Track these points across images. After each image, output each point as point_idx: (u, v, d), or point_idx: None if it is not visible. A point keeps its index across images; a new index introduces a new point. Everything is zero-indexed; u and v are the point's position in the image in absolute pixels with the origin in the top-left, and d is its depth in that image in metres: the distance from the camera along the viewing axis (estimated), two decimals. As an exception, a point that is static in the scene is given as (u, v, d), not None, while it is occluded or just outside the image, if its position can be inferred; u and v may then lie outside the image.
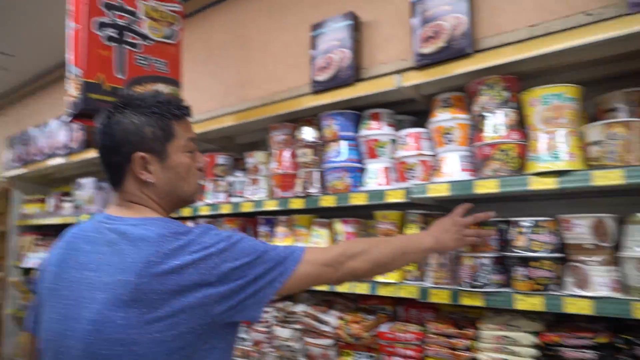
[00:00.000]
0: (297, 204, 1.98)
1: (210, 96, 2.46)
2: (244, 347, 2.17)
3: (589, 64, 1.54)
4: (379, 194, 1.73)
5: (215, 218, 2.44)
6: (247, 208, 2.16)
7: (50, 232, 3.88)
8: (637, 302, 1.23)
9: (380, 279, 1.72)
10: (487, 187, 1.48)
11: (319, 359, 1.88)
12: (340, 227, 1.90)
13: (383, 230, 1.78)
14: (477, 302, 1.48)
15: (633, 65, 1.50)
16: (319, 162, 1.98)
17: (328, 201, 1.88)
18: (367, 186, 1.81)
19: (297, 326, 1.95)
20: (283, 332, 1.97)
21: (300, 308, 2.00)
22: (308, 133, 2.02)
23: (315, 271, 1.12)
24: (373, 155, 1.84)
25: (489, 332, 1.49)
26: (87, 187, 3.17)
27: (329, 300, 2.04)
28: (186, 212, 2.45)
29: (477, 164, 1.59)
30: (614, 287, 1.31)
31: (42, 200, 3.88)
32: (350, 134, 1.91)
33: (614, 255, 1.34)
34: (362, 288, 1.77)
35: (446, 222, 1.43)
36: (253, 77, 2.29)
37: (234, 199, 2.28)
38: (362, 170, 1.89)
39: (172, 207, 1.17)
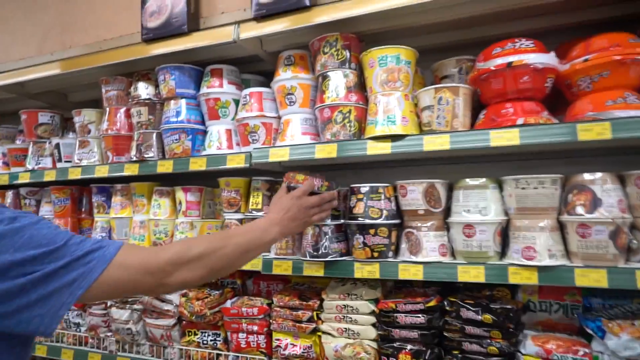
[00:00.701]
0: (132, 169, 1.73)
1: (25, 40, 2.02)
2: (78, 334, 1.92)
3: (426, 29, 1.51)
4: (220, 158, 1.56)
5: (39, 187, 2.08)
6: (76, 174, 1.85)
7: None
8: (462, 266, 1.25)
9: (224, 251, 1.58)
10: (326, 151, 1.39)
11: (161, 341, 1.71)
12: (182, 195, 1.70)
13: (227, 198, 1.63)
14: (319, 272, 1.42)
15: (467, 34, 1.51)
16: (156, 123, 1.73)
17: (166, 166, 1.66)
18: (208, 150, 1.63)
19: (137, 306, 1.76)
20: (121, 314, 1.77)
21: (141, 286, 1.80)
22: (143, 89, 1.75)
23: (130, 278, 0.87)
24: (214, 116, 1.65)
25: (331, 302, 1.45)
26: None
27: (173, 276, 1.86)
28: (3, 179, 2.05)
29: (319, 127, 1.49)
30: (443, 252, 1.33)
31: None
32: (189, 91, 1.69)
33: (444, 221, 1.35)
34: (206, 262, 1.62)
35: (289, 205, 1.23)
36: (78, 20, 1.91)
37: (61, 165, 1.94)
38: (203, 132, 1.69)
39: None
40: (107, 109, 1.83)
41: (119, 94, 1.83)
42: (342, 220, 1.46)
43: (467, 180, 1.31)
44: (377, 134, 1.32)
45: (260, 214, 1.56)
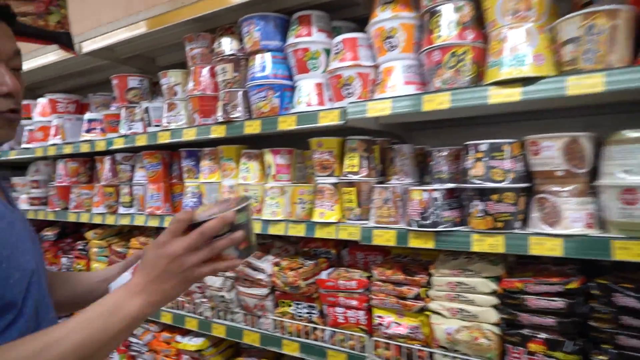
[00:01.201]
0: (219, 131, 1.64)
1: (113, 3, 1.99)
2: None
3: None
4: (311, 116, 1.40)
5: (133, 152, 2.08)
6: (165, 138, 1.81)
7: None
8: (618, 241, 0.99)
9: (317, 218, 1.44)
10: (436, 102, 1.16)
11: (254, 310, 1.65)
12: (271, 158, 1.58)
13: (319, 161, 1.47)
14: (428, 244, 1.23)
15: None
16: (241, 81, 1.60)
17: (253, 127, 1.54)
18: (297, 108, 1.47)
19: (230, 274, 1.70)
20: (214, 281, 1.73)
21: (232, 253, 1.73)
22: (227, 44, 1.62)
23: None
24: (303, 68, 1.47)
25: (442, 278, 1.26)
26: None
27: (265, 244, 1.78)
28: (100, 145, 2.08)
29: (425, 75, 1.26)
30: (589, 222, 1.06)
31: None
32: (275, 43, 1.52)
33: (589, 185, 1.08)
34: (298, 229, 1.50)
35: (153, 259, 0.81)
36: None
37: (151, 129, 1.91)
38: (291, 89, 1.53)
39: None
40: (192, 68, 1.74)
41: (203, 51, 1.72)
42: (457, 184, 1.24)
43: (626, 132, 1.02)
44: (501, 78, 1.07)
45: (356, 177, 1.39)
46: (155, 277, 0.79)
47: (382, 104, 1.25)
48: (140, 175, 2.02)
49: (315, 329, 1.51)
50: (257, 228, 1.59)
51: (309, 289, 1.50)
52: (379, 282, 1.37)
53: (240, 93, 1.59)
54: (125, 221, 2.06)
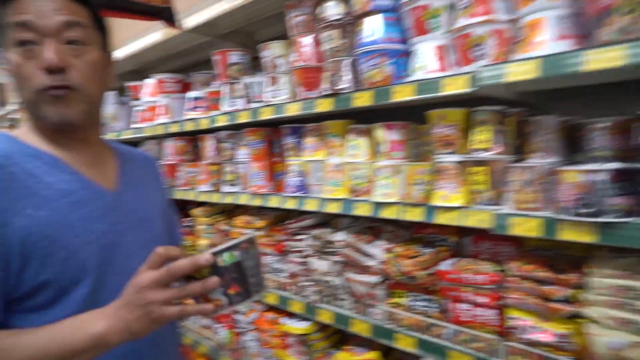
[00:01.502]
0: (324, 105, 1.50)
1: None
2: (279, 279, 1.88)
3: None
4: (432, 84, 1.20)
5: (235, 130, 2.04)
6: (267, 114, 1.72)
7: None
8: None
9: (438, 201, 1.26)
10: (606, 59, 0.91)
11: (364, 298, 1.53)
12: (383, 133, 1.41)
13: (440, 136, 1.27)
14: (586, 237, 0.99)
15: None
16: (349, 48, 1.44)
17: (363, 99, 1.38)
18: (415, 75, 1.28)
19: (337, 258, 1.59)
20: (320, 265, 1.63)
21: (339, 237, 1.62)
22: (332, 8, 1.46)
23: None
24: (422, 30, 1.27)
25: (604, 280, 1.02)
26: (109, 102, 2.87)
27: (374, 228, 1.63)
28: (203, 124, 2.07)
29: (586, 25, 0.99)
30: None
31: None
32: (388, 2, 1.33)
33: None
34: (414, 213, 1.33)
35: (128, 287, 0.80)
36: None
37: (252, 105, 1.84)
38: (407, 54, 1.34)
39: (32, 118, 0.93)
40: (295, 38, 1.61)
41: (306, 19, 1.58)
42: (628, 164, 0.98)
43: None
44: None
45: (488, 154, 1.18)
46: (123, 304, 0.79)
47: (526, 65, 1.02)
48: (243, 153, 1.97)
49: (434, 325, 1.35)
50: (366, 210, 1.45)
51: (428, 281, 1.34)
52: (515, 279, 1.16)
53: (348, 62, 1.43)
54: (229, 199, 2.04)
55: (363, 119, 1.56)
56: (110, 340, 0.78)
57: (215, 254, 0.76)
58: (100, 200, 0.95)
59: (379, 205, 1.41)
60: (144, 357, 0.98)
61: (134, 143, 3.19)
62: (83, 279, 0.88)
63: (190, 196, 2.32)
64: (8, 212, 0.82)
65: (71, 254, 0.86)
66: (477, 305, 1.24)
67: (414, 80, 1.25)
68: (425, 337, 1.36)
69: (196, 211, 2.39)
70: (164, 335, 1.04)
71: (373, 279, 1.48)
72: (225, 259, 0.76)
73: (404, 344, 1.41)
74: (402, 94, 1.27)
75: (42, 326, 0.80)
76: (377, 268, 1.47)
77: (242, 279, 0.78)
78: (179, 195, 2.39)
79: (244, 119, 1.83)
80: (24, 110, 0.94)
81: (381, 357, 1.59)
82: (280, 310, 1.98)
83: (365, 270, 1.51)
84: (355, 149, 1.50)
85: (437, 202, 1.27)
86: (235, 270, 0.77)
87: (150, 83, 2.51)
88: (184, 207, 2.91)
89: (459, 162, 1.24)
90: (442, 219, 1.27)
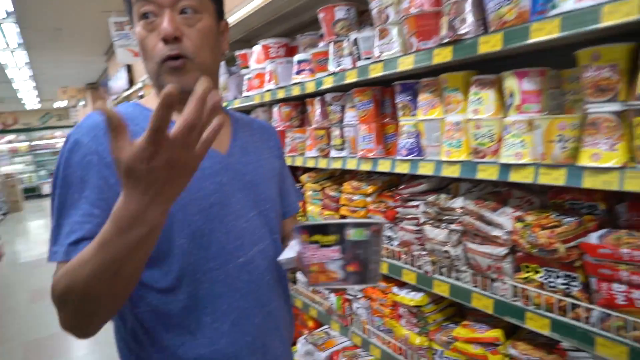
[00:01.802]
0: (443, 55, 1.33)
1: None
2: (391, 247, 1.79)
3: None
4: (588, 15, 0.97)
5: (343, 91, 1.94)
6: (377, 71, 1.59)
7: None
8: None
9: (587, 161, 1.04)
10: None
11: (487, 272, 1.37)
12: (514, 83, 1.21)
13: (594, 80, 1.04)
14: None
15: None
16: (472, -15, 1.24)
17: (492, 43, 1.19)
18: (561, 6, 1.05)
19: (456, 227, 1.44)
20: (437, 234, 1.50)
21: (458, 203, 1.46)
22: (452, -61, 1.26)
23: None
24: (572, -54, 1.03)
25: None
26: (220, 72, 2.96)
27: (499, 193, 1.44)
28: (310, 87, 2.01)
29: None
30: None
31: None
32: None
33: None
34: (554, 176, 1.13)
35: (140, 167, 0.64)
36: None
37: (360, 63, 1.72)
38: (549, -19, 1.11)
39: (158, 90, 0.98)
40: (407, -18, 1.44)
41: (420, -42, 1.40)
42: None
43: None
44: None
45: (661, 100, 0.93)
46: (153, 179, 0.65)
47: None
48: (350, 115, 1.88)
49: (576, 306, 1.15)
50: (491, 174, 1.27)
51: (569, 255, 1.14)
52: (696, 257, 0.92)
53: (471, 1, 1.23)
54: (337, 165, 1.97)
55: (487, 70, 1.36)
56: (125, 237, 0.67)
57: (345, 225, 0.74)
58: (210, 161, 0.97)
59: (508, 167, 1.22)
60: (251, 317, 1.00)
61: (245, 112, 3.28)
62: (187, 234, 0.91)
63: (298, 162, 2.30)
64: None
65: (179, 208, 0.89)
66: (635, 286, 1.01)
67: (561, 13, 1.03)
68: (564, 319, 1.17)
69: (304, 177, 2.38)
70: (271, 295, 1.05)
71: (500, 250, 1.31)
72: (353, 234, 0.73)
73: (536, 325, 1.23)
74: (543, 32, 1.05)
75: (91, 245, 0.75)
76: (505, 239, 1.29)
77: (363, 261, 0.75)
78: (288, 161, 2.38)
79: (351, 78, 1.73)
80: (151, 83, 0.98)
81: (504, 335, 1.42)
82: (392, 279, 1.89)
83: (489, 240, 1.34)
84: (478, 104, 1.31)
85: (585, 162, 1.05)
86: (359, 248, 0.74)
87: (257, 50, 2.51)
88: (293, 174, 2.93)
89: (619, 112, 1.00)
90: (591, 182, 1.05)
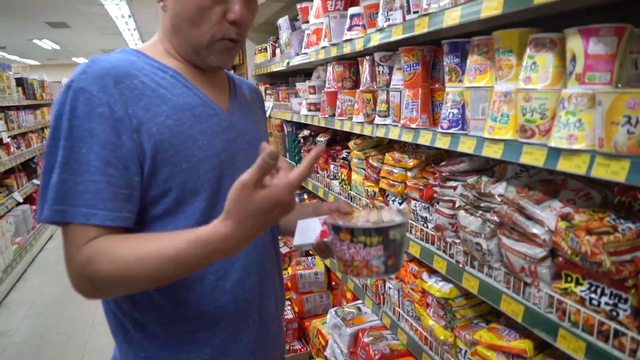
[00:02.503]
0: (493, 6, 1.09)
1: None
2: (426, 230, 1.60)
3: None
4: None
5: (392, 50, 1.73)
6: (422, 27, 1.37)
7: (277, 81, 3.93)
8: None
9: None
10: None
11: (520, 274, 1.15)
12: (578, 44, 0.94)
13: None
14: None
15: None
16: None
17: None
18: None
19: (492, 217, 1.23)
20: (470, 222, 1.29)
21: (499, 190, 1.24)
22: None
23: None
24: None
25: None
26: (283, 27, 2.84)
27: (552, 182, 1.19)
28: (359, 44, 1.82)
29: None
30: None
31: (266, 49, 3.85)
32: None
33: None
34: (612, 169, 0.87)
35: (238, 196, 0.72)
36: None
37: (410, 17, 1.50)
38: None
39: (185, 52, 0.97)
40: None
41: None
42: None
43: None
44: None
45: None
46: (253, 212, 0.73)
47: None
48: (397, 78, 1.68)
49: (621, 333, 0.92)
50: (536, 158, 1.04)
51: (620, 270, 0.90)
52: None
53: (535, -63, 0.97)
54: (380, 133, 1.79)
55: (552, 30, 1.09)
56: (231, 246, 0.75)
57: (389, 228, 0.80)
58: (217, 117, 0.97)
59: (558, 152, 0.98)
60: (251, 275, 1.00)
61: (307, 69, 3.15)
62: (201, 192, 0.91)
63: (346, 127, 2.15)
64: (142, 119, 0.85)
65: (193, 165, 0.89)
66: None
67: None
68: (604, 345, 0.94)
69: (351, 143, 2.23)
70: (266, 254, 1.07)
71: (537, 251, 1.08)
72: (395, 233, 0.81)
73: (569, 346, 1.01)
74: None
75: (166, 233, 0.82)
76: (545, 239, 1.06)
77: (398, 252, 0.83)
78: (337, 125, 2.24)
79: (397, 35, 1.52)
80: (174, 41, 0.98)
81: (534, 349, 1.21)
82: (424, 264, 1.72)
83: (527, 238, 1.12)
84: (532, 70, 1.06)
85: (656, 152, 0.79)
86: (396, 243, 0.82)
87: (317, 3, 2.34)
88: (346, 137, 2.79)
89: None
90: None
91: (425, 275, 1.64)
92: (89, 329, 3.61)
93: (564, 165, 0.97)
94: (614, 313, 0.93)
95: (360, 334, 2.02)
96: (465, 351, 1.45)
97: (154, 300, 0.93)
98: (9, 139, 5.50)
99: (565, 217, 1.02)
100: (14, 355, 3.34)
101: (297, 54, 2.74)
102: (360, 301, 2.37)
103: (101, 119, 0.81)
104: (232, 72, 1.17)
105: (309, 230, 0.93)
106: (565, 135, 0.96)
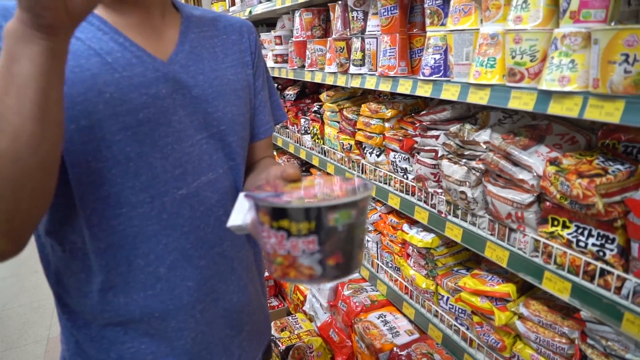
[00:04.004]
0: (483, -55, 1.02)
1: None
2: (405, 181, 1.58)
3: None
4: None
5: (367, -6, 1.64)
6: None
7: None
8: None
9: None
10: None
11: (506, 220, 1.16)
12: (573, -18, 0.90)
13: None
14: None
15: None
16: None
17: None
18: None
19: (477, 164, 1.22)
20: (454, 171, 1.27)
21: (484, 137, 1.22)
22: None
23: None
24: None
25: None
26: (244, -27, 2.65)
27: (536, 127, 1.18)
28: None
29: None
30: None
31: (225, -3, 3.62)
32: None
33: None
34: (603, 110, 0.86)
35: None
36: None
37: (387, -42, 1.41)
38: None
39: None
40: None
41: None
42: None
43: None
44: None
45: None
46: None
47: None
48: (373, 24, 1.60)
49: (607, 272, 0.94)
50: (526, 102, 1.01)
51: (610, 212, 0.90)
52: None
53: None
54: (355, 83, 1.73)
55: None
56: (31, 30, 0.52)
57: (329, 208, 0.52)
58: (141, 67, 0.76)
59: (549, 95, 0.96)
60: (193, 259, 0.85)
61: (269, 20, 2.99)
62: (106, 156, 0.73)
63: (317, 78, 2.06)
64: None
65: (95, 123, 0.71)
66: (693, 260, 0.78)
67: None
68: (589, 285, 0.97)
69: (324, 95, 2.15)
70: (223, 234, 0.89)
71: (525, 197, 1.08)
72: (339, 218, 0.53)
73: (554, 287, 1.04)
74: None
75: None
76: (532, 184, 1.06)
77: (347, 248, 0.55)
78: (307, 76, 2.15)
79: (375, -25, 1.43)
80: None
81: (517, 291, 1.24)
82: (404, 215, 1.72)
83: (514, 184, 1.11)
84: (523, 9, 1.02)
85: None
86: (343, 234, 0.54)
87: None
88: (316, 90, 2.70)
89: None
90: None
91: (405, 227, 1.64)
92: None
93: (554, 108, 0.95)
94: (601, 253, 0.95)
95: (339, 288, 2.03)
96: (447, 298, 1.48)
97: (80, 284, 0.81)
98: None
99: (553, 162, 1.01)
100: (-24, 330, 3.20)
101: (260, 2, 2.58)
102: (336, 255, 2.38)
103: None
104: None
105: (245, 210, 0.70)
106: (557, 77, 0.93)
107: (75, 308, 0.84)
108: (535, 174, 1.05)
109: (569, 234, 1.01)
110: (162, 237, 0.79)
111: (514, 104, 1.05)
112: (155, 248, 0.80)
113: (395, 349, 1.67)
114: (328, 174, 2.12)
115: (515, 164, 1.10)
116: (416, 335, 1.77)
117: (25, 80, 0.52)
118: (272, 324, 2.25)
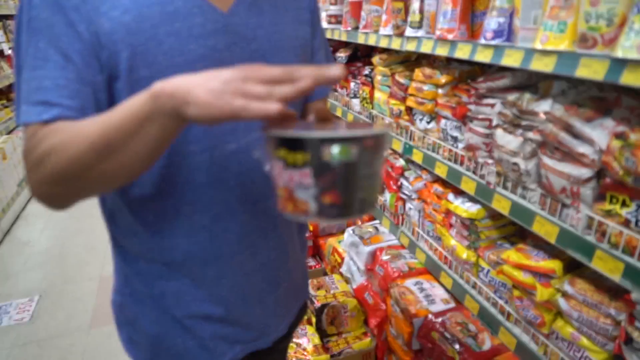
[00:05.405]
0: None
1: None
2: (455, 150, 1.55)
3: None
4: None
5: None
6: None
7: None
8: None
9: None
10: None
11: (560, 195, 1.11)
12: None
13: None
14: None
15: None
16: None
17: None
18: None
19: (534, 135, 1.17)
20: (508, 141, 1.23)
21: (544, 106, 1.16)
22: None
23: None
24: None
25: None
26: None
27: (603, 99, 1.11)
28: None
29: None
30: None
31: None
32: None
33: None
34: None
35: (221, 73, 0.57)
36: None
37: None
38: None
39: None
40: None
41: None
42: None
43: None
44: None
45: None
46: (220, 80, 0.58)
47: None
48: (435, -16, 1.53)
49: (666, 255, 0.90)
50: (597, 71, 0.95)
51: (677, 192, 0.85)
52: None
53: None
54: (410, 46, 1.68)
55: None
56: (157, 114, 0.58)
57: (323, 140, 0.51)
58: (203, 17, 0.75)
59: (623, 63, 0.89)
60: (237, 213, 0.86)
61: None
62: None
63: (371, 40, 2.02)
64: (98, 10, 0.69)
65: (154, 73, 0.70)
66: None
67: None
68: (644, 267, 0.93)
69: (376, 59, 2.11)
70: (267, 191, 0.85)
71: (583, 172, 1.04)
72: (335, 153, 0.51)
73: (605, 266, 1.00)
74: None
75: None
76: (593, 158, 1.01)
77: (346, 188, 0.54)
78: (361, 39, 2.11)
79: None
80: None
81: (563, 269, 1.21)
82: (450, 185, 1.69)
83: (572, 158, 1.06)
84: (602, -30, 0.94)
85: None
86: (342, 172, 0.53)
87: None
88: (368, 53, 2.65)
89: None
90: None
91: (450, 196, 1.61)
92: (107, 243, 3.72)
93: (628, 78, 0.89)
94: (661, 235, 0.91)
95: (378, 252, 2.05)
96: (488, 270, 1.46)
97: (130, 225, 0.86)
98: (10, 51, 5.31)
99: (619, 136, 0.96)
100: (38, 263, 3.48)
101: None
102: (377, 221, 2.39)
103: (56, 7, 0.68)
104: None
105: None
106: (635, 45, 0.86)
107: (125, 245, 0.91)
108: (597, 147, 1.00)
109: (628, 212, 0.97)
110: (209, 189, 0.81)
111: (582, 72, 0.99)
112: (201, 198, 0.82)
113: (430, 315, 1.68)
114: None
115: (576, 136, 1.05)
116: (452, 305, 1.77)
117: (149, 140, 0.61)
118: (309, 282, 2.31)
